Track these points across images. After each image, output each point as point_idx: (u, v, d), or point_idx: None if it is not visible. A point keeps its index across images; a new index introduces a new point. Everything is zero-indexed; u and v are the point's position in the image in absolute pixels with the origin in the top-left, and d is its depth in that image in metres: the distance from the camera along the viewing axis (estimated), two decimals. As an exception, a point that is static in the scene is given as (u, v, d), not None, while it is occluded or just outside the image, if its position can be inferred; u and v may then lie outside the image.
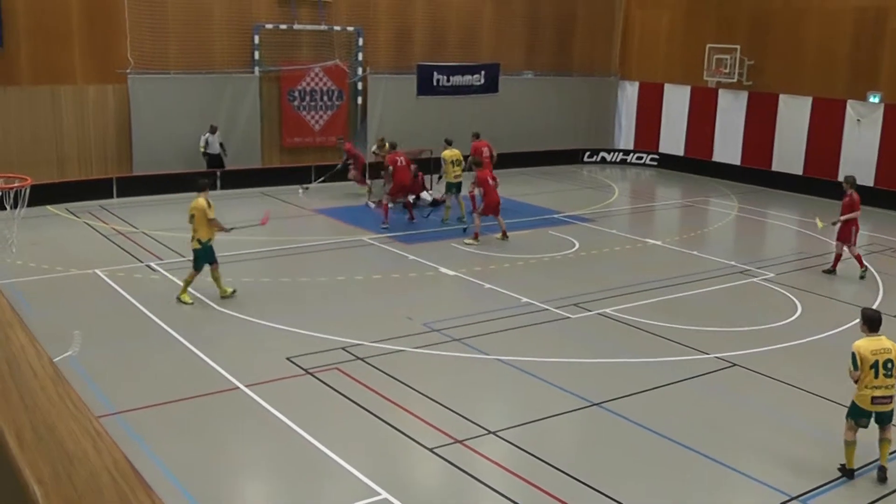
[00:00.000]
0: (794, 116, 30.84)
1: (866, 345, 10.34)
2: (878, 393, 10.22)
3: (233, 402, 11.81)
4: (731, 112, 32.77)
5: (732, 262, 20.51)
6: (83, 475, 1.84)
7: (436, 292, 17.30)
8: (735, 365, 14.05)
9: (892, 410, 10.42)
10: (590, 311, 16.27)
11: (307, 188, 26.92)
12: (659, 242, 22.41)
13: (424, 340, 14.36)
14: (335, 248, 20.36)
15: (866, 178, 28.66)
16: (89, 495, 1.79)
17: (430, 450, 10.56)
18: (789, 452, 11.30)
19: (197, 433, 11.01)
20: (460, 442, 10.78)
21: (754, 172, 31.92)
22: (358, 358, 13.39)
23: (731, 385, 13.41)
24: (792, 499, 10.01)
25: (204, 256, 15.59)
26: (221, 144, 26.22)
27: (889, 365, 10.18)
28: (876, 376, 10.18)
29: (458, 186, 23.47)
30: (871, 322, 10.48)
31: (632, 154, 35.64)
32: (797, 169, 30.86)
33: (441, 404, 11.85)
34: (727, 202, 28.92)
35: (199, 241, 15.47)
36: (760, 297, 18.07)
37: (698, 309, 16.97)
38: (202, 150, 26.07)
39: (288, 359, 13.20)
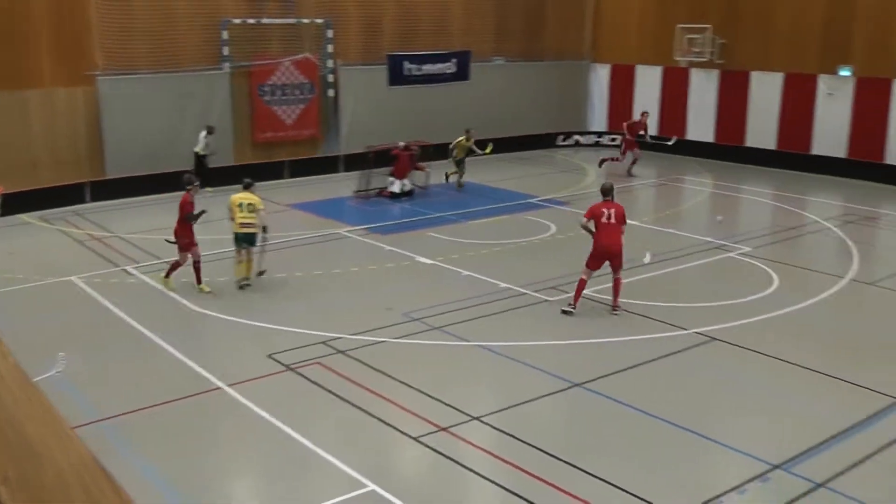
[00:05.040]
0: (766, 93, 31.08)
1: None
2: None
3: (216, 402, 11.78)
4: (704, 91, 32.96)
5: (708, 238, 20.62)
6: (50, 474, 1.84)
7: (414, 282, 17.31)
8: (714, 339, 14.16)
9: None
10: (568, 293, 16.30)
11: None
12: (635, 222, 22.37)
13: (405, 330, 14.37)
14: (311, 242, 20.33)
15: (839, 150, 28.95)
16: (56, 493, 1.79)
17: (416, 439, 10.59)
18: (771, 423, 11.44)
19: (181, 435, 10.97)
20: (445, 429, 10.82)
21: (728, 149, 32.13)
22: (339, 351, 13.39)
23: (711, 359, 13.52)
24: (775, 468, 10.11)
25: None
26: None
27: None
28: None
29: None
30: None
31: (606, 136, 35.68)
32: (770, 144, 31.06)
33: (424, 393, 11.88)
34: (702, 179, 29.04)
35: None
36: (737, 272, 18.18)
37: (676, 286, 17.08)
38: (202, 152, 25.37)
39: (269, 356, 13.19)
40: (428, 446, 10.44)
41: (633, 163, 29.24)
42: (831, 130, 29.45)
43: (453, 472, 9.97)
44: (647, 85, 34.56)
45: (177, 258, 16.48)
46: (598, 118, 36.26)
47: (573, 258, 18.62)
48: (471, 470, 9.96)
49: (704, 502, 9.34)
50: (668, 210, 24.70)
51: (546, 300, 15.99)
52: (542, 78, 34.82)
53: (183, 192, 16.42)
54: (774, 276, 17.64)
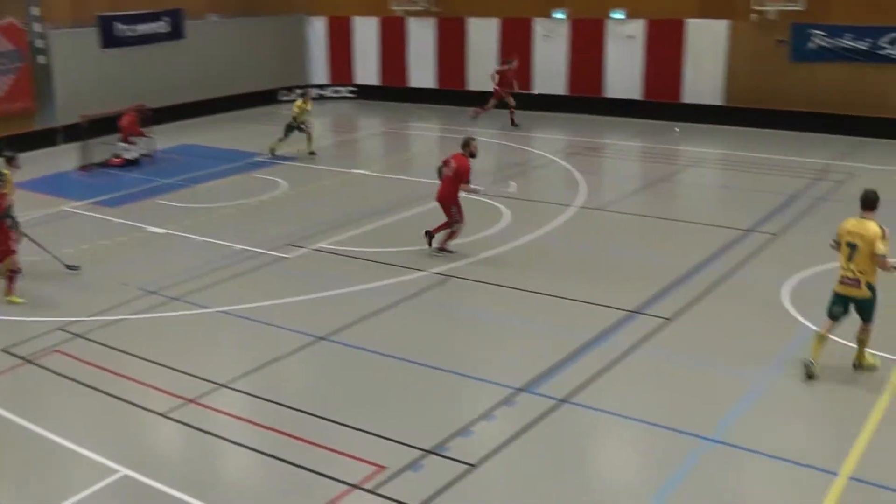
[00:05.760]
0: (483, 38, 32.13)
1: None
2: None
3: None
4: (422, 39, 33.63)
5: (437, 182, 21.09)
6: None
7: (148, 253, 16.80)
8: (452, 277, 14.70)
9: None
10: (305, 247, 16.39)
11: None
12: (366, 172, 22.76)
13: (143, 305, 13.97)
14: (37, 223, 19.14)
15: (559, 88, 30.35)
16: None
17: (163, 415, 10.35)
18: (513, 349, 12.08)
19: None
20: (192, 401, 10.64)
21: (451, 94, 32.98)
22: (77, 336, 12.82)
23: (449, 297, 14.04)
24: (519, 391, 10.69)
25: None
26: None
27: None
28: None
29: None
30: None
31: (328, 88, 35.73)
32: (491, 86, 32.07)
33: (168, 367, 11.61)
34: (428, 125, 29.68)
35: None
36: (468, 211, 18.74)
37: (412, 230, 17.37)
38: None
39: (3, 350, 12.48)
40: (177, 420, 10.24)
41: (512, 112, 28.73)
42: (551, 70, 30.97)
43: (206, 443, 9.85)
44: (365, 36, 34.82)
45: None
46: (319, 71, 36.18)
47: (305, 214, 18.76)
48: (224, 438, 9.86)
49: (454, 433, 9.73)
50: (397, 157, 25.09)
51: (283, 257, 15.98)
52: (260, 33, 34.24)
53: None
54: (506, 210, 18.37)
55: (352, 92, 35.56)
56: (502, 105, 28.50)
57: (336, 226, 17.67)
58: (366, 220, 18.09)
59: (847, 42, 26.26)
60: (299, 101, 24.93)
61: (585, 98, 30.20)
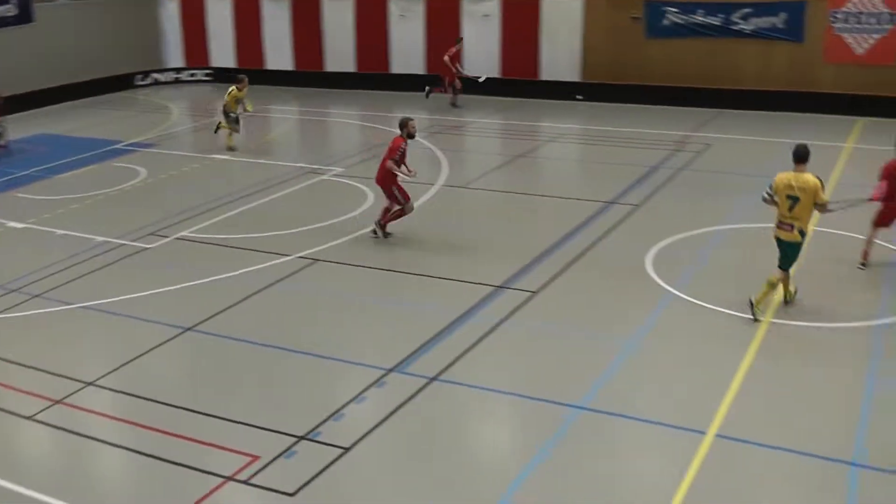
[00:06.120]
0: (339, 18, 31.97)
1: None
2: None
3: None
4: (277, 20, 33.25)
5: (301, 164, 21.07)
6: None
7: (7, 249, 16.22)
8: (318, 260, 14.69)
9: None
10: (168, 237, 16.12)
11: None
12: (226, 157, 22.46)
13: (3, 304, 13.46)
14: None
15: (417, 68, 30.47)
16: None
17: (30, 418, 10.07)
18: (382, 329, 12.19)
19: None
20: (60, 402, 10.37)
21: (309, 75, 32.76)
22: (-70, 340, 12.38)
23: (316, 280, 14.04)
24: (389, 371, 10.82)
25: None
26: None
27: None
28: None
29: None
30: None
31: (184, 72, 35.04)
32: (350, 67, 32.07)
33: (32, 367, 11.28)
34: (287, 107, 29.44)
35: None
36: (333, 193, 18.81)
37: (275, 215, 17.34)
38: None
39: None
40: (45, 423, 9.97)
41: (456, 93, 28.46)
42: (407, 50, 31.02)
43: (77, 444, 9.61)
44: (220, 18, 34.25)
45: None
46: (175, 55, 35.41)
47: (167, 202, 18.41)
48: (95, 439, 9.65)
49: (326, 417, 9.78)
50: (258, 141, 24.82)
51: (146, 248, 15.68)
52: (112, 16, 33.20)
53: None
54: (369, 192, 18.40)
55: (208, 75, 34.94)
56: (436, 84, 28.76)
57: (199, 213, 17.41)
58: (229, 205, 17.88)
59: (700, 18, 27.09)
60: (233, 89, 22.81)
61: (444, 76, 30.37)
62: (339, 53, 32.18)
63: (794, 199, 11.66)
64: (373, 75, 31.54)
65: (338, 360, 11.29)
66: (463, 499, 8.41)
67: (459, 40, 28.96)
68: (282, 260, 14.76)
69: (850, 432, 9.31)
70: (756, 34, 26.57)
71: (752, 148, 22.20)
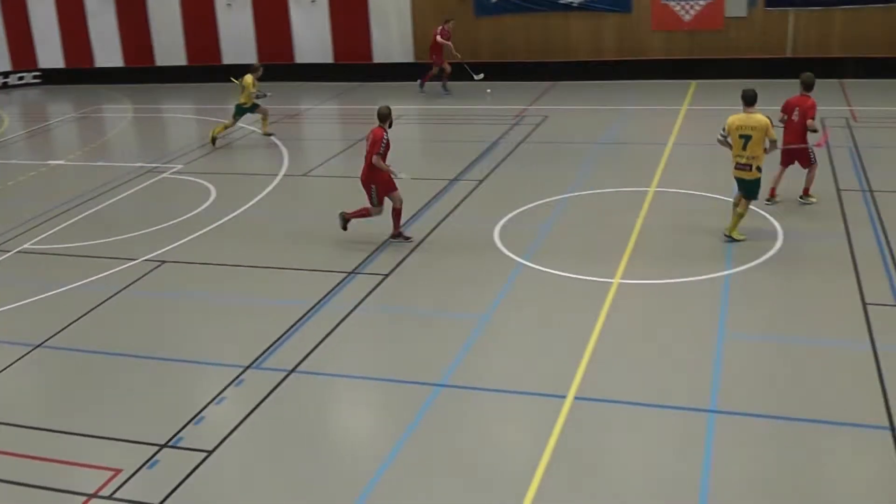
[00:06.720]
0: (165, 10, 31.24)
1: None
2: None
3: None
4: (102, 15, 32.24)
5: (140, 164, 20.61)
6: None
7: None
8: (165, 262, 14.44)
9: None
10: (8, 251, 15.56)
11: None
12: (62, 162, 21.79)
13: None
14: None
15: (249, 57, 30.06)
16: None
17: None
18: (236, 327, 12.07)
19: None
20: None
21: (139, 71, 32.02)
22: None
23: (165, 282, 13.80)
24: (246, 368, 10.76)
25: None
26: None
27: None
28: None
29: None
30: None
31: (11, 76, 33.66)
32: (180, 60, 31.44)
33: None
34: (120, 106, 28.69)
35: None
36: (175, 191, 18.48)
37: (118, 218, 16.90)
38: None
39: None
40: None
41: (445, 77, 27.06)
42: (238, 38, 30.64)
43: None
44: (44, 16, 32.92)
45: None
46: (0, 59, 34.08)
47: (4, 212, 17.76)
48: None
49: (186, 422, 9.68)
50: (94, 143, 24.14)
51: (-15, 266, 15.15)
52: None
53: None
54: (211, 188, 18.17)
55: (36, 77, 33.66)
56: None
57: (39, 223, 16.83)
58: (70, 213, 17.35)
59: (527, -7, 27.65)
60: (249, 77, 21.66)
61: (277, 65, 30.00)
62: (169, 46, 31.52)
63: (747, 138, 13.01)
64: (202, 67, 31.02)
65: (194, 363, 11.16)
66: (331, 486, 8.48)
67: (449, 19, 26.92)
68: (129, 265, 14.43)
69: (706, 381, 9.78)
70: (585, 7, 27.31)
71: (589, 117, 22.84)
